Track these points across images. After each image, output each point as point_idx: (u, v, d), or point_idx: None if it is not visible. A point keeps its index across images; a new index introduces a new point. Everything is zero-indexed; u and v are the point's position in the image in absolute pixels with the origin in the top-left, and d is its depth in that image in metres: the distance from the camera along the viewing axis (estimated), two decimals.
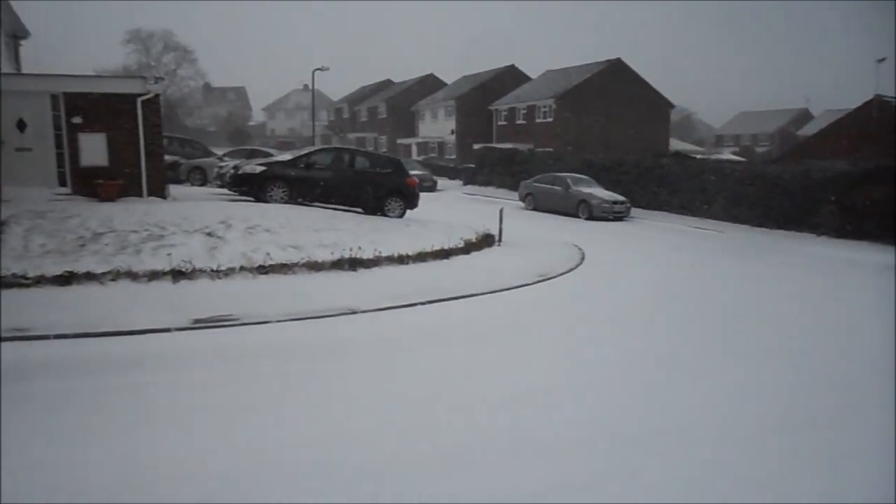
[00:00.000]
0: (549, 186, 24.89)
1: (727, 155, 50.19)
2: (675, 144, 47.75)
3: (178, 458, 4.09)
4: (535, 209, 25.16)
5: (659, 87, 44.93)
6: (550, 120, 43.22)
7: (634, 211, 23.07)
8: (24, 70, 20.74)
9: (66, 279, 8.21)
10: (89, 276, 8.38)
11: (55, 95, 14.72)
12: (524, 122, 45.97)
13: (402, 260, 11.30)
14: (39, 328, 6.45)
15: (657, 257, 14.57)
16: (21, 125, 14.53)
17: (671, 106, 46.38)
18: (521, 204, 26.17)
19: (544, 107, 44.02)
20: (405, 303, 8.74)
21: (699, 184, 23.49)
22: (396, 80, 70.81)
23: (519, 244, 14.71)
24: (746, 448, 4.74)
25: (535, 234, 17.16)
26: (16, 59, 20.36)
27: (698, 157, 34.34)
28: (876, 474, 4.44)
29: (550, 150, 36.47)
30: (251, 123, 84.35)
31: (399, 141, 59.41)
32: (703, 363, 6.87)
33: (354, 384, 5.61)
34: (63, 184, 15.06)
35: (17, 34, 20.69)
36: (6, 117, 14.39)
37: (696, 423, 5.18)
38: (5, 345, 6.02)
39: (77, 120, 14.74)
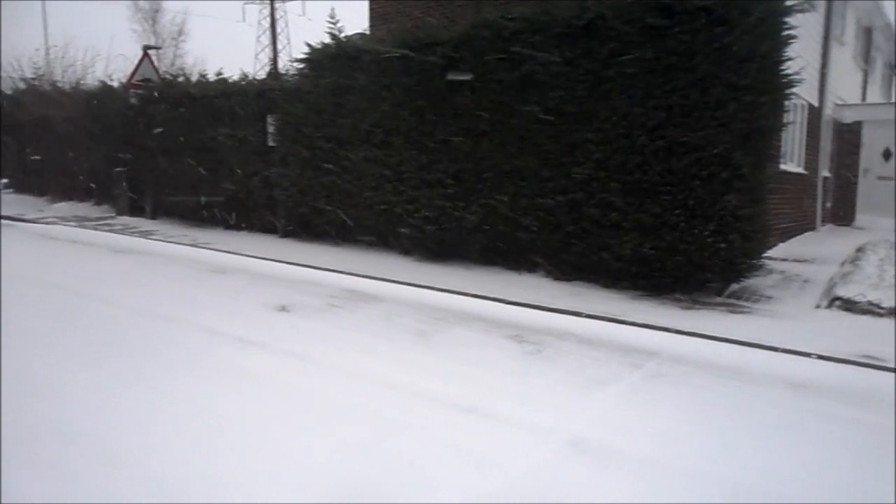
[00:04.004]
0: None
1: None
2: None
3: None
4: None
5: None
6: None
7: None
8: None
9: None
10: None
11: None
12: None
13: None
14: (891, 360, 6.22)
15: None
16: (886, 154, 14.46)
17: None
18: None
19: None
20: None
21: None
22: None
23: None
24: None
25: None
26: (890, 89, 20.38)
27: None
28: None
29: None
30: None
31: None
32: None
33: None
34: None
35: None
36: (873, 146, 14.61)
37: None
38: (852, 368, 6.05)
39: None
